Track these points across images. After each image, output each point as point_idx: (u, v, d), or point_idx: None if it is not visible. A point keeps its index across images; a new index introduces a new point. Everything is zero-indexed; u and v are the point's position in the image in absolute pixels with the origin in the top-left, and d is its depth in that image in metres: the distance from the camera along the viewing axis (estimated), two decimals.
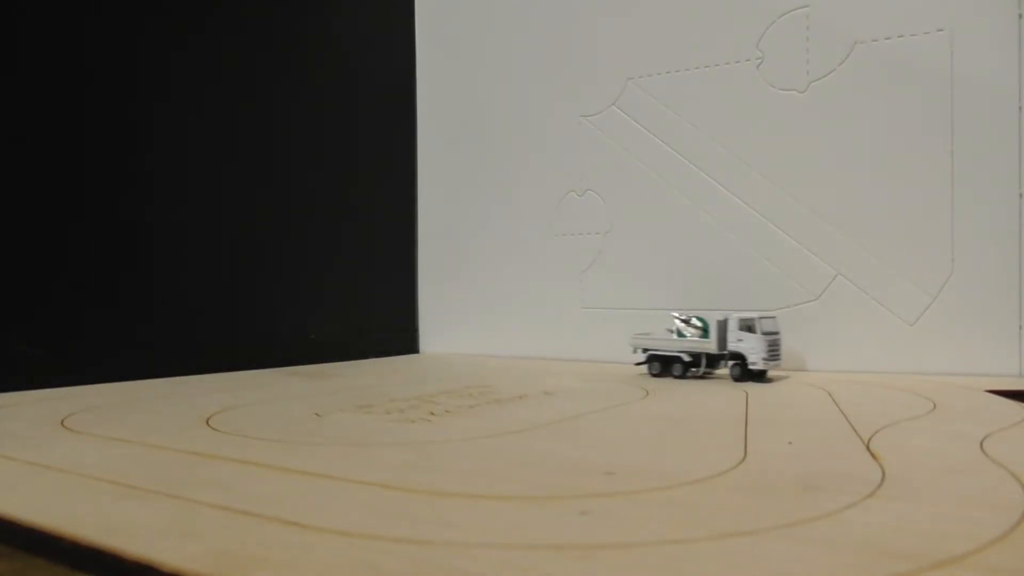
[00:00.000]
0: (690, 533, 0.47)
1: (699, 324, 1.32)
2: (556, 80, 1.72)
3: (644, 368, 1.36)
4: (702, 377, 1.31)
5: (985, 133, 1.27)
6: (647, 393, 1.13)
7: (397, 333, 1.88)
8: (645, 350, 1.36)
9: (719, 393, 1.12)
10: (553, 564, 0.42)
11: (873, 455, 0.68)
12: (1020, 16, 1.25)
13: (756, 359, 1.24)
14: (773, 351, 1.25)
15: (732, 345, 1.27)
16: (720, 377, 1.30)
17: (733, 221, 1.49)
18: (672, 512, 0.52)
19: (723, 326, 1.28)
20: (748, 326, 1.25)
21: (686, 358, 1.31)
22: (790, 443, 0.74)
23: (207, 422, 0.88)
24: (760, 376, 1.26)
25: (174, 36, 1.41)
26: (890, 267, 1.35)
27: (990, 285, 1.27)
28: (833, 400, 1.03)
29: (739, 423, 0.86)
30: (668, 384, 1.24)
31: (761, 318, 1.26)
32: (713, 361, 1.30)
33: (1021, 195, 1.25)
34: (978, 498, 0.55)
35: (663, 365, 1.34)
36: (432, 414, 0.93)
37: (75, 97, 1.26)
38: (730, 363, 1.28)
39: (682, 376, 1.31)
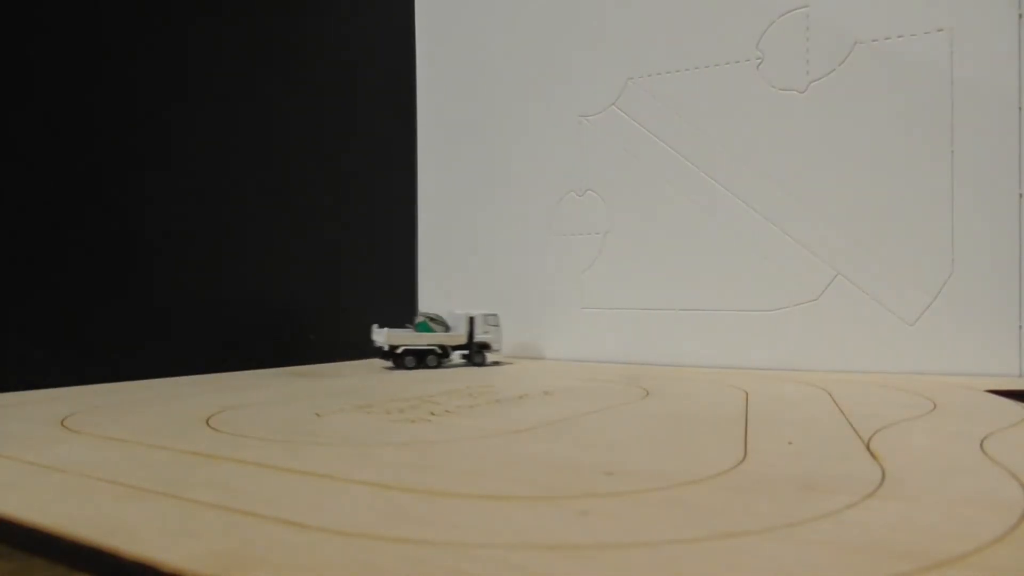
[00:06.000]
0: (690, 533, 0.47)
1: (442, 321, 1.57)
2: (556, 80, 1.72)
3: (400, 362, 1.50)
4: (439, 367, 1.52)
5: (985, 133, 1.27)
6: (647, 393, 1.13)
7: None
8: (394, 347, 1.49)
9: (719, 393, 1.12)
10: (553, 564, 0.42)
11: (873, 455, 0.68)
12: (1020, 16, 1.25)
13: (499, 347, 1.59)
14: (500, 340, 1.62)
15: (480, 336, 1.57)
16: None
17: (733, 221, 1.49)
18: (672, 512, 0.52)
19: (473, 321, 1.57)
20: (494, 322, 1.58)
21: (439, 350, 1.53)
22: (790, 443, 0.74)
23: (207, 422, 0.88)
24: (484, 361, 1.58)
25: (173, 36, 1.41)
26: (890, 267, 1.35)
27: (990, 285, 1.27)
28: (833, 400, 1.03)
29: (739, 423, 0.85)
30: (668, 384, 1.24)
31: (494, 314, 1.59)
32: (458, 351, 1.57)
33: (1021, 195, 1.26)
34: (978, 498, 0.55)
35: (418, 359, 1.51)
36: (432, 414, 0.93)
37: (73, 95, 1.26)
38: (480, 351, 1.57)
39: (437, 366, 1.52)
